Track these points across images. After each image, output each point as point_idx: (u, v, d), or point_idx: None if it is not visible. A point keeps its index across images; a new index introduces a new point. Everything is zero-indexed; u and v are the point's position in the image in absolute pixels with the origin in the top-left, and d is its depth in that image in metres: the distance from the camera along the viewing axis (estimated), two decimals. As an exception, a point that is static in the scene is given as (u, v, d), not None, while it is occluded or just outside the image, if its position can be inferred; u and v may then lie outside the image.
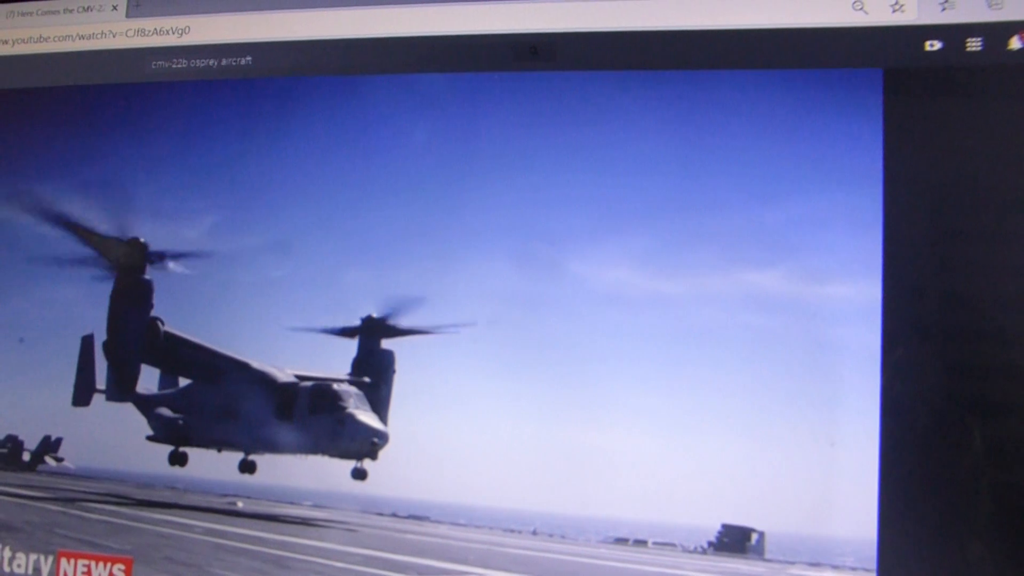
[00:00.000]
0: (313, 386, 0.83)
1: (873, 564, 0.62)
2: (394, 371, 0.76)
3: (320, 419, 0.82)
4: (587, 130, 0.73)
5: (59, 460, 0.85)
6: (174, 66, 0.81)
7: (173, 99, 0.81)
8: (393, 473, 0.74)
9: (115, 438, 0.83)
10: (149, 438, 0.82)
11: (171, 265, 0.79)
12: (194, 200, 0.80)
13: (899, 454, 0.63)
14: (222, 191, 0.79)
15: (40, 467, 0.85)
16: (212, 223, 0.79)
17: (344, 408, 0.82)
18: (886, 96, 0.66)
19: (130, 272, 0.81)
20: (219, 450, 0.81)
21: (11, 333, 0.83)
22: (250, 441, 0.80)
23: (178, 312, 0.81)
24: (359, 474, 0.74)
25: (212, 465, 0.81)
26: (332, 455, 0.79)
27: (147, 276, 0.81)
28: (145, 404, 0.85)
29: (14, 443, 0.85)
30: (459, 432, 0.72)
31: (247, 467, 0.78)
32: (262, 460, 0.79)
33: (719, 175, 0.70)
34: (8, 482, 0.84)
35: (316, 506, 0.76)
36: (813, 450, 0.65)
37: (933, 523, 0.62)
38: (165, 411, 0.85)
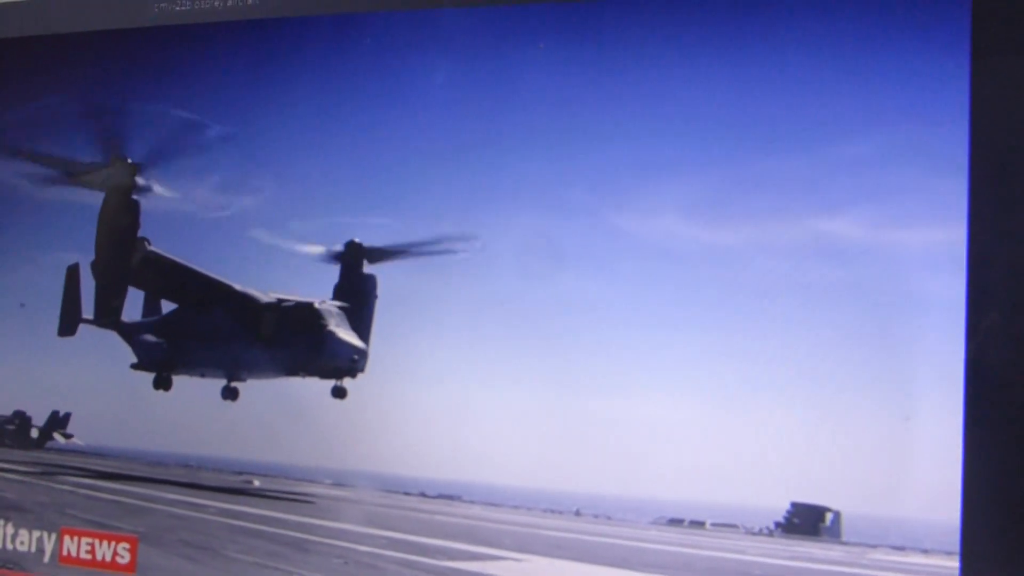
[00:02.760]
0: (294, 305, 0.81)
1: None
2: (376, 296, 0.75)
3: (301, 338, 0.82)
4: (630, 63, 0.65)
5: (68, 437, 0.82)
6: (177, 8, 0.76)
7: (179, 44, 0.77)
8: (422, 451, 0.69)
9: (126, 413, 0.79)
10: (133, 366, 0.81)
11: (158, 188, 0.79)
12: (200, 147, 0.77)
13: (986, 423, 0.55)
14: (229, 139, 0.76)
15: (49, 444, 0.82)
16: (219, 171, 0.76)
17: (325, 327, 0.81)
18: (974, 18, 0.58)
19: (117, 192, 0.80)
20: (202, 375, 0.81)
21: (12, 299, 0.81)
22: (233, 363, 0.80)
23: (165, 234, 0.80)
24: (339, 392, 0.75)
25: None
26: (313, 374, 0.79)
27: (135, 197, 0.80)
28: (129, 331, 0.84)
29: (22, 419, 0.82)
30: (492, 407, 0.67)
31: (230, 393, 0.78)
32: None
33: (782, 110, 0.62)
34: (16, 459, 0.82)
35: (337, 484, 0.72)
36: (889, 421, 0.58)
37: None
38: (148, 337, 0.84)
